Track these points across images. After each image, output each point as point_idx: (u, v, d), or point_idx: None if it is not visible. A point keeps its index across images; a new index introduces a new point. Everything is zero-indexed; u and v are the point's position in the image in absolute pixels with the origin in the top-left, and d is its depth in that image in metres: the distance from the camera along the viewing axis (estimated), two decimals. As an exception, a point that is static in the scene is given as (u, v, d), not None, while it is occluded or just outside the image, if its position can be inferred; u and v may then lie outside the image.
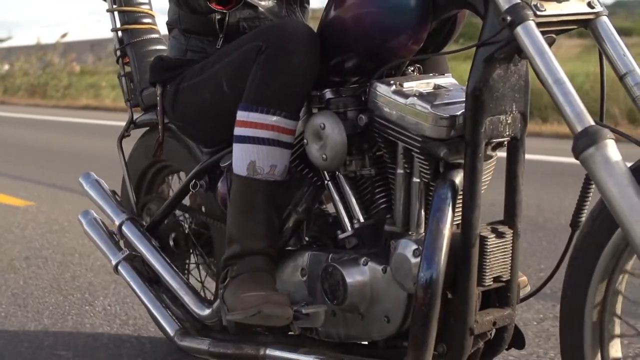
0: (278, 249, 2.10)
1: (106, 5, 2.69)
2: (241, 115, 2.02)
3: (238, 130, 2.03)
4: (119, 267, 2.49)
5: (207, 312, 2.29)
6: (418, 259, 1.81)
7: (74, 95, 16.20)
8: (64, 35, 19.39)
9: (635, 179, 1.54)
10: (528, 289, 2.11)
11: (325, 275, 1.98)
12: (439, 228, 1.79)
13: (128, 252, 2.51)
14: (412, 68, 2.07)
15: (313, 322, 2.00)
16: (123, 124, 2.63)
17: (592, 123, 1.57)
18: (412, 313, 1.81)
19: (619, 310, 1.72)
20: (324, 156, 1.98)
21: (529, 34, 1.63)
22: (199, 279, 2.70)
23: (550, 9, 1.68)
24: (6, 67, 19.86)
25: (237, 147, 2.03)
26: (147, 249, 2.45)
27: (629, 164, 1.59)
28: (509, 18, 1.65)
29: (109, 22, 2.70)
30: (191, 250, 2.61)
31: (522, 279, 2.11)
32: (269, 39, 1.99)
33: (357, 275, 1.94)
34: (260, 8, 2.26)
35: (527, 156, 1.90)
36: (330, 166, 2.00)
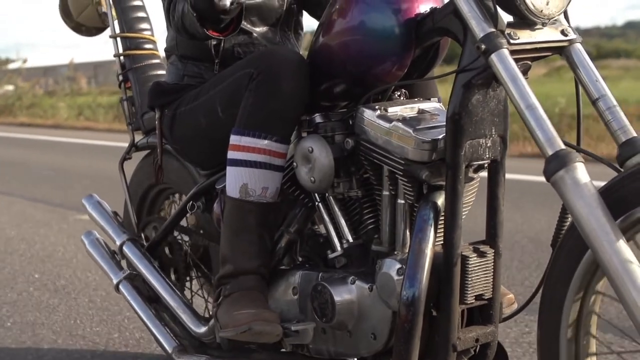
0: (271, 269, 2.18)
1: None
2: (234, 139, 2.09)
3: (231, 154, 2.10)
4: (120, 286, 2.57)
5: (203, 329, 2.36)
6: (402, 278, 1.88)
7: (34, 114, 17.82)
8: (25, 61, 20.92)
9: (604, 201, 1.60)
10: (515, 306, 2.17)
11: (314, 293, 2.05)
12: (421, 248, 1.86)
13: (129, 271, 2.59)
14: (399, 93, 2.14)
15: (302, 339, 2.06)
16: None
17: (563, 147, 1.64)
18: (396, 330, 1.88)
19: (593, 330, 1.77)
20: (312, 178, 2.05)
21: (503, 61, 1.70)
22: (188, 298, 2.77)
23: (524, 37, 1.75)
24: (10, 87, 20.79)
25: (230, 170, 2.11)
26: (147, 268, 2.53)
27: (602, 183, 1.66)
28: (483, 46, 1.72)
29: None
30: (191, 270, 2.68)
31: (509, 296, 2.18)
32: (259, 66, 2.07)
33: (345, 293, 2.01)
34: (254, 34, 2.34)
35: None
36: (318, 188, 2.07)
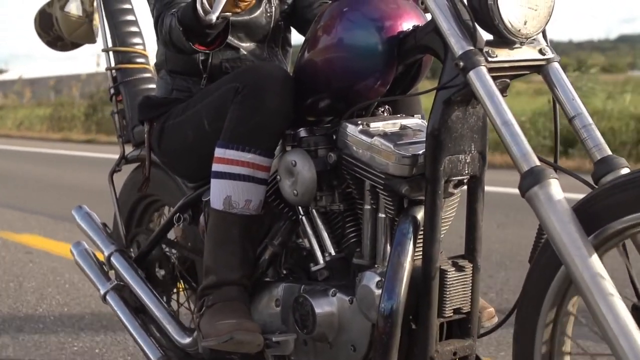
0: (255, 281, 2.20)
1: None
2: (218, 152, 2.13)
3: (215, 167, 2.13)
4: (107, 297, 2.60)
5: (187, 340, 2.38)
6: (381, 291, 1.90)
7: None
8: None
9: (578, 217, 1.63)
10: (495, 320, 2.19)
11: (296, 305, 2.08)
12: (400, 261, 1.89)
13: (116, 282, 2.61)
14: (382, 109, 2.17)
15: (283, 350, 2.09)
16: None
17: (538, 163, 1.67)
18: (374, 342, 1.90)
19: (567, 346, 1.80)
20: (295, 192, 2.08)
21: (480, 78, 1.73)
22: (174, 309, 2.79)
23: (502, 55, 1.79)
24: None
25: (214, 182, 2.14)
26: (134, 279, 2.56)
27: (580, 196, 1.68)
28: (461, 63, 1.75)
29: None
30: (178, 281, 2.71)
31: (489, 310, 2.20)
32: (245, 81, 2.10)
33: (326, 305, 2.04)
34: (242, 50, 2.38)
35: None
36: (301, 201, 2.10)
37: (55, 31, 2.91)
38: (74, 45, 2.96)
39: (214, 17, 2.00)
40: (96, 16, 2.85)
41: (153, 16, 2.31)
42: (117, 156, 2.73)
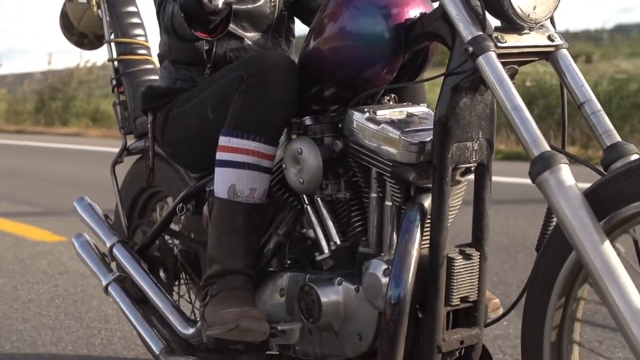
0: (259, 270, 2.19)
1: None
2: (223, 140, 2.11)
3: (220, 155, 2.12)
4: (109, 288, 2.58)
5: (191, 331, 2.37)
6: (388, 279, 1.89)
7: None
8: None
9: (589, 203, 1.62)
10: (500, 311, 2.18)
11: (301, 294, 2.06)
12: (407, 248, 1.88)
13: (118, 273, 2.60)
14: (388, 97, 2.16)
15: (289, 339, 2.08)
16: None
17: (548, 148, 1.66)
18: (381, 330, 1.89)
19: (577, 336, 1.79)
20: (301, 180, 2.07)
21: (490, 64, 1.72)
22: (187, 300, 2.78)
23: (511, 41, 1.78)
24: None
25: (218, 171, 2.13)
26: (136, 270, 2.54)
27: (588, 185, 1.68)
28: (471, 49, 1.74)
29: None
30: (180, 273, 2.69)
31: (495, 301, 2.19)
32: (249, 70, 2.09)
33: (332, 294, 2.02)
34: (246, 40, 2.36)
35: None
36: (307, 190, 2.08)
37: (77, 30, 2.90)
38: (99, 39, 2.94)
39: (220, 2, 1.99)
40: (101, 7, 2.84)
41: (155, 4, 2.30)
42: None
